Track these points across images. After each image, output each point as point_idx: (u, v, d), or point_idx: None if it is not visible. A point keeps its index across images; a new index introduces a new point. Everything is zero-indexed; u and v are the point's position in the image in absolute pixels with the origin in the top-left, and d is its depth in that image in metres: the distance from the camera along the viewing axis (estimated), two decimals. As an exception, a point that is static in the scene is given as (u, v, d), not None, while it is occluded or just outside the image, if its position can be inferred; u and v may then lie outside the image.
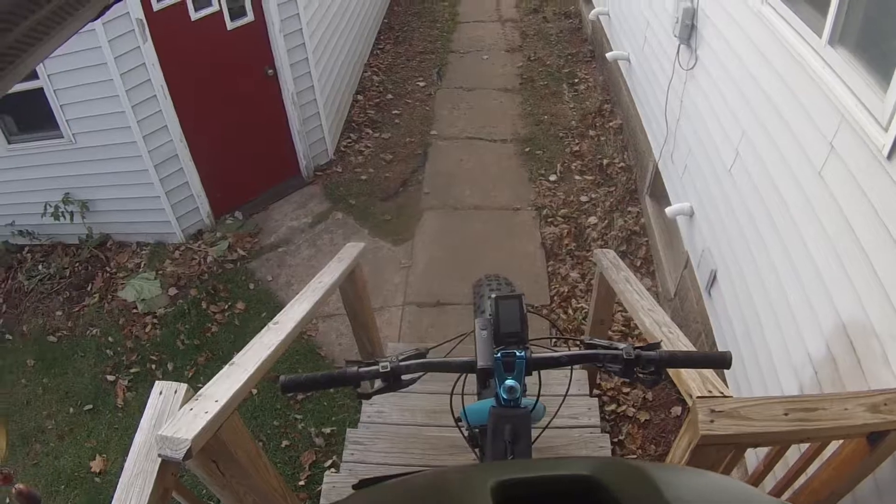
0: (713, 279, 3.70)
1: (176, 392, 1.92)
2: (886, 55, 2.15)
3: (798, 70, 2.71)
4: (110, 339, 5.16)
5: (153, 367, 4.92)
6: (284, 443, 4.30)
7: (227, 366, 2.12)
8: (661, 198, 5.28)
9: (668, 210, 4.25)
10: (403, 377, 1.41)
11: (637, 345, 1.41)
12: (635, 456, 4.07)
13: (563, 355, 1.50)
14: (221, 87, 5.55)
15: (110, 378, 4.90)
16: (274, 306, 5.24)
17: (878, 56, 2.26)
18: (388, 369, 1.38)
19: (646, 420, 4.24)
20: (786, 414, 1.73)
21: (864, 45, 2.38)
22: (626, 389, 4.43)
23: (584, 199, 6.00)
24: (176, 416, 1.77)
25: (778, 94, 2.93)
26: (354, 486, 1.90)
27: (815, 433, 1.78)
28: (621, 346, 1.42)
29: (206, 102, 5.51)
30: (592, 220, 5.73)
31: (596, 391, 4.29)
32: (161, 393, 1.92)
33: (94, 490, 4.27)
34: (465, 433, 2.21)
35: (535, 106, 7.55)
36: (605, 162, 6.30)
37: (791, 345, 2.72)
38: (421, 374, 1.44)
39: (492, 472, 0.65)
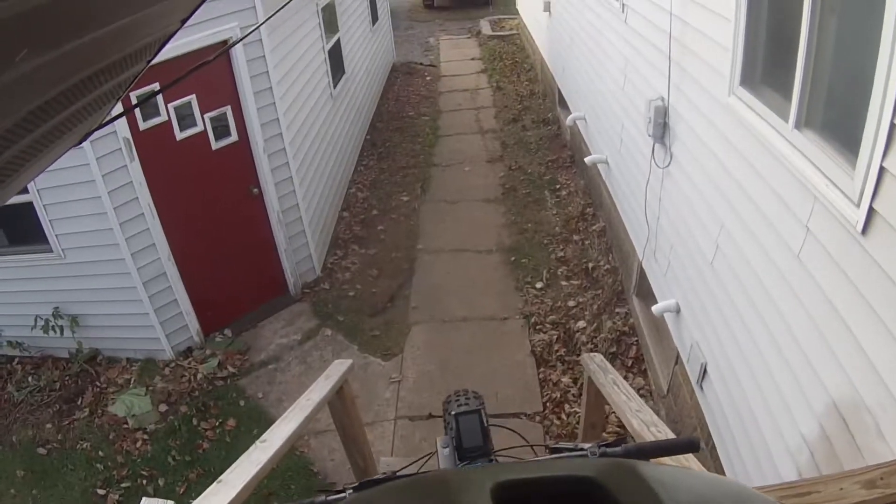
0: (703, 373, 3.66)
1: None
2: (851, 131, 2.21)
3: (768, 157, 2.80)
4: (101, 453, 5.02)
5: (144, 482, 4.77)
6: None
7: (215, 483, 2.13)
8: (647, 296, 5.30)
9: (654, 308, 4.26)
10: None
11: (603, 442, 1.36)
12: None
13: (529, 462, 1.44)
14: (208, 205, 5.64)
15: (101, 492, 4.74)
16: (265, 423, 5.10)
17: (844, 133, 2.33)
18: None
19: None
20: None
21: (829, 125, 2.46)
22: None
23: (571, 303, 6.02)
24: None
25: (751, 182, 3.00)
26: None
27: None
28: (586, 445, 1.34)
29: (193, 221, 5.58)
30: (581, 324, 5.72)
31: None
32: None
33: None
34: None
35: (519, 214, 7.70)
36: (590, 265, 6.37)
37: (785, 429, 2.68)
38: None
39: (492, 473, 0.65)
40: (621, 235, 5.88)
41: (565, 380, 5.25)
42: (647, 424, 2.42)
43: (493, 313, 6.18)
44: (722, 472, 3.49)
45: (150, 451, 5.01)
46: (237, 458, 4.92)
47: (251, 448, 2.42)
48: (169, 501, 1.88)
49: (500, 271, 6.78)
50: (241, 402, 5.38)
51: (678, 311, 4.13)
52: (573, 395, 5.11)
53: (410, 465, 1.72)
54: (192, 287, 5.68)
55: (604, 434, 4.14)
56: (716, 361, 3.49)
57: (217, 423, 5.18)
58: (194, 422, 5.18)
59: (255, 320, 6.26)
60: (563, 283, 6.34)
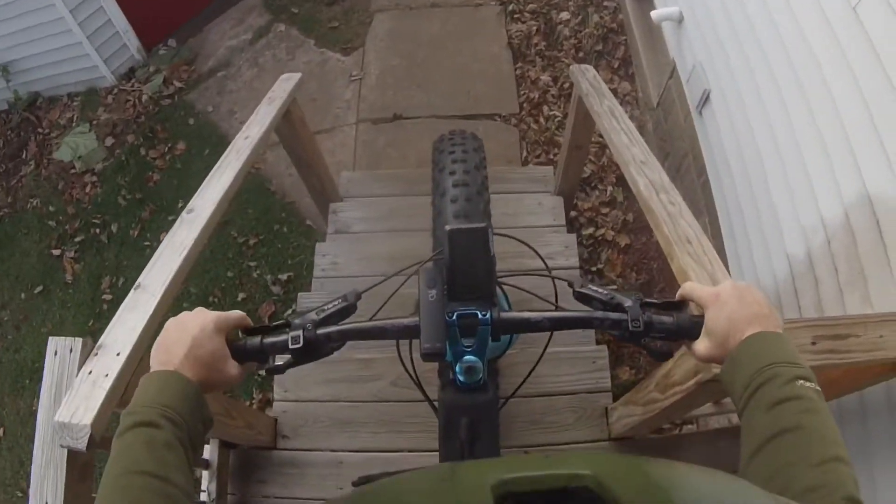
0: (706, 99, 3.29)
1: (72, 350, 1.61)
2: None
3: None
4: (51, 208, 4.77)
5: (97, 231, 4.58)
6: (241, 295, 4.07)
7: (132, 290, 1.75)
8: (643, -6, 4.68)
9: (653, 14, 3.70)
10: (324, 347, 1.05)
11: (650, 300, 1.05)
12: (615, 285, 3.90)
13: (544, 318, 1.09)
14: None
15: (56, 252, 4.58)
16: (217, 140, 4.81)
17: None
18: (301, 344, 1.01)
19: (626, 245, 4.04)
20: (813, 343, 1.47)
21: None
22: (604, 210, 4.20)
23: (554, -10, 5.32)
24: (73, 389, 1.49)
25: None
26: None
27: (845, 367, 1.56)
28: (627, 300, 1.04)
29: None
30: (565, 15, 5.11)
31: (572, 212, 4.04)
32: (56, 353, 1.63)
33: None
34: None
35: None
36: (578, -55, 5.50)
37: (801, 202, 2.40)
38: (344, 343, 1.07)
39: (492, 470, 0.64)
40: None
41: (545, 77, 4.83)
42: (655, 188, 1.98)
43: (466, -1, 5.50)
44: (713, 213, 3.32)
45: (99, 194, 4.74)
46: (190, 186, 4.68)
47: (175, 225, 1.99)
48: (77, 340, 1.57)
49: (474, -54, 5.87)
50: (191, 121, 4.96)
51: (681, 20, 3.60)
52: (553, 95, 4.75)
53: (388, 278, 1.41)
54: (126, 1, 5.00)
55: (586, 161, 3.87)
56: (722, 91, 3.09)
57: (166, 149, 4.83)
58: (142, 152, 4.83)
59: (201, 23, 5.57)
60: (546, -37, 5.54)
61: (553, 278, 1.37)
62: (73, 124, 5.11)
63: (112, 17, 4.96)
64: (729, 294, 0.97)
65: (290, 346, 1.01)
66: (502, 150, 4.44)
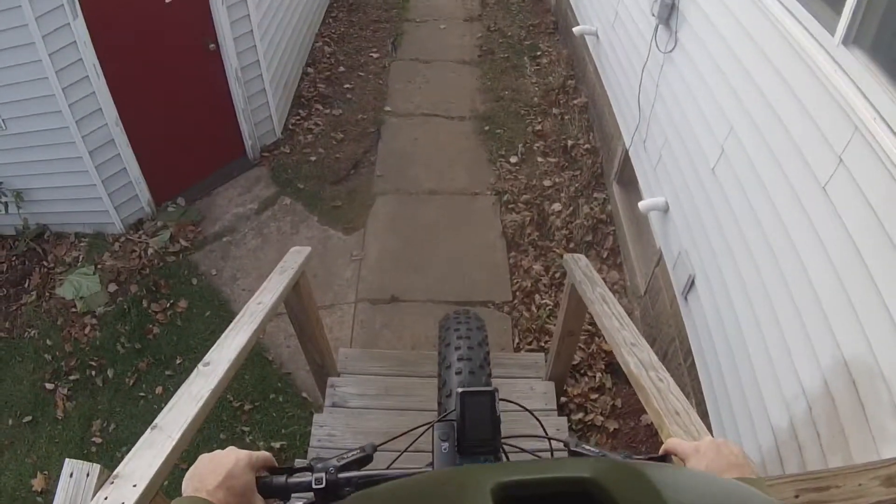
0: (691, 285, 3.42)
1: (88, 475, 1.62)
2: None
3: (803, 69, 2.40)
4: (49, 341, 4.73)
5: (93, 373, 4.52)
6: (231, 459, 3.93)
7: (149, 430, 1.81)
8: (629, 184, 4.99)
9: (640, 204, 3.94)
10: (342, 490, 1.12)
11: (637, 456, 1.16)
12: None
13: (531, 463, 1.10)
14: (160, 64, 5.04)
15: (49, 386, 4.49)
16: (218, 303, 4.87)
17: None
18: (323, 484, 1.08)
19: (615, 429, 4.01)
20: (796, 496, 1.47)
21: (883, 46, 2.07)
22: (593, 396, 4.17)
23: (547, 182, 5.67)
24: (89, 513, 1.50)
25: (776, 93, 2.62)
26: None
27: (829, 516, 1.53)
28: (617, 457, 1.12)
29: (143, 82, 5.01)
30: (556, 206, 5.41)
31: (562, 398, 4.04)
32: (72, 475, 1.63)
33: (37, 510, 3.95)
34: None
35: (495, 80, 7.16)
36: (569, 143, 5.97)
37: (782, 374, 2.47)
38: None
39: (491, 473, 0.64)
40: (606, 115, 5.46)
41: (537, 267, 5.01)
42: (645, 367, 2.11)
43: (464, 187, 5.83)
44: (699, 394, 3.34)
45: (98, 337, 4.72)
46: (189, 345, 4.65)
47: (192, 375, 2.10)
48: (95, 466, 1.60)
49: (473, 140, 6.35)
50: (194, 280, 5.05)
51: (666, 210, 3.82)
52: (544, 285, 4.89)
53: (399, 436, 1.45)
54: (142, 153, 5.21)
55: (577, 345, 3.94)
56: (706, 276, 3.23)
57: (168, 305, 4.87)
58: (144, 304, 4.86)
59: (210, 187, 5.81)
60: (540, 159, 5.96)
61: (549, 439, 1.44)
62: (79, 264, 5.15)
63: (127, 166, 5.09)
64: (707, 447, 1.07)
65: (314, 486, 1.08)
66: (495, 337, 4.51)
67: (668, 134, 3.79)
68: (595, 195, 5.46)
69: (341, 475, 1.10)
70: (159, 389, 4.36)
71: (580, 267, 3.05)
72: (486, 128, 6.42)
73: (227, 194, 5.77)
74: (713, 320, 3.13)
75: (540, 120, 6.38)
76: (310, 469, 1.10)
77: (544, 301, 4.75)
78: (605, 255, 5.06)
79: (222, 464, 1.02)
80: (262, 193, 5.78)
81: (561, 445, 1.28)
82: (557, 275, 4.91)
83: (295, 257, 3.08)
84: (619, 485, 0.60)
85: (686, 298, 3.51)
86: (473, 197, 5.73)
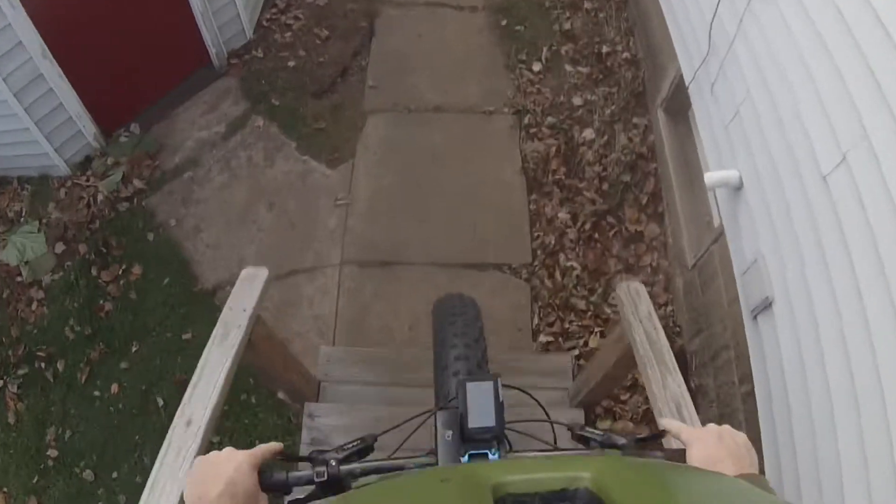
0: (766, 307, 2.56)
1: None
2: None
3: None
4: None
5: (42, 365, 3.97)
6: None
7: None
8: (680, 115, 4.00)
9: (707, 178, 2.95)
10: (344, 481, 1.12)
11: (640, 437, 1.14)
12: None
13: (534, 460, 1.13)
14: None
15: None
16: (178, 265, 4.17)
17: None
18: (325, 477, 1.09)
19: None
20: None
21: None
22: (623, 396, 3.49)
23: (577, 101, 4.64)
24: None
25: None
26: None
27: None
28: (621, 439, 1.15)
29: (73, -2, 4.09)
30: (588, 133, 4.42)
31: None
32: None
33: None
34: None
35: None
36: (604, 49, 4.83)
37: (873, 455, 1.73)
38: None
39: (492, 472, 0.65)
40: (652, 18, 4.32)
41: (562, 215, 4.14)
42: None
43: (476, 102, 4.84)
44: (754, 429, 2.58)
45: (46, 315, 4.12)
46: (144, 325, 3.99)
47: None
48: None
49: (487, 38, 5.24)
50: (150, 236, 4.30)
51: (740, 187, 2.88)
52: (570, 240, 4.06)
53: (402, 425, 1.42)
54: (82, 82, 4.42)
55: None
56: (791, 310, 2.32)
57: (120, 272, 4.19)
58: (94, 271, 4.20)
59: (169, 107, 4.87)
60: (568, 67, 4.87)
61: (552, 423, 1.42)
62: (22, 220, 4.50)
63: (64, 101, 4.32)
64: (709, 434, 1.07)
65: (316, 480, 1.09)
66: (510, 314, 3.76)
67: (755, 93, 2.73)
68: (635, 120, 4.44)
69: (343, 467, 1.11)
70: (115, 387, 3.81)
71: (639, 313, 2.19)
72: (504, 22, 5.25)
73: (188, 115, 4.82)
74: (792, 372, 2.29)
75: (569, 16, 5.14)
76: (310, 461, 1.12)
77: (570, 263, 3.95)
78: (644, 202, 4.14)
79: (222, 470, 0.98)
80: (231, 112, 4.83)
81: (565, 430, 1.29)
82: (587, 226, 4.07)
83: (242, 300, 2.20)
84: (619, 483, 0.61)
85: (755, 318, 2.67)
86: (487, 116, 4.75)
